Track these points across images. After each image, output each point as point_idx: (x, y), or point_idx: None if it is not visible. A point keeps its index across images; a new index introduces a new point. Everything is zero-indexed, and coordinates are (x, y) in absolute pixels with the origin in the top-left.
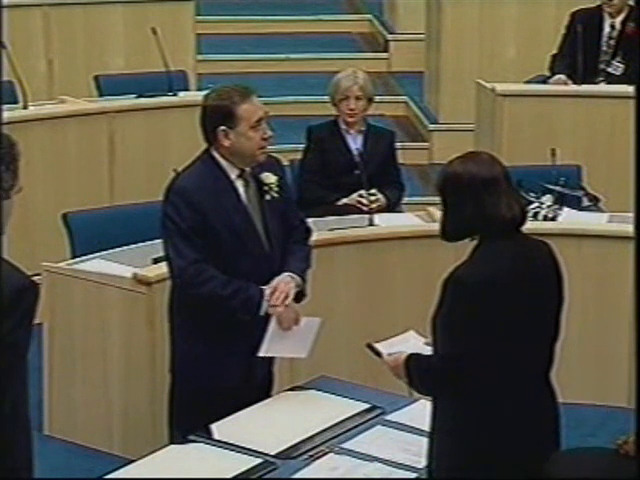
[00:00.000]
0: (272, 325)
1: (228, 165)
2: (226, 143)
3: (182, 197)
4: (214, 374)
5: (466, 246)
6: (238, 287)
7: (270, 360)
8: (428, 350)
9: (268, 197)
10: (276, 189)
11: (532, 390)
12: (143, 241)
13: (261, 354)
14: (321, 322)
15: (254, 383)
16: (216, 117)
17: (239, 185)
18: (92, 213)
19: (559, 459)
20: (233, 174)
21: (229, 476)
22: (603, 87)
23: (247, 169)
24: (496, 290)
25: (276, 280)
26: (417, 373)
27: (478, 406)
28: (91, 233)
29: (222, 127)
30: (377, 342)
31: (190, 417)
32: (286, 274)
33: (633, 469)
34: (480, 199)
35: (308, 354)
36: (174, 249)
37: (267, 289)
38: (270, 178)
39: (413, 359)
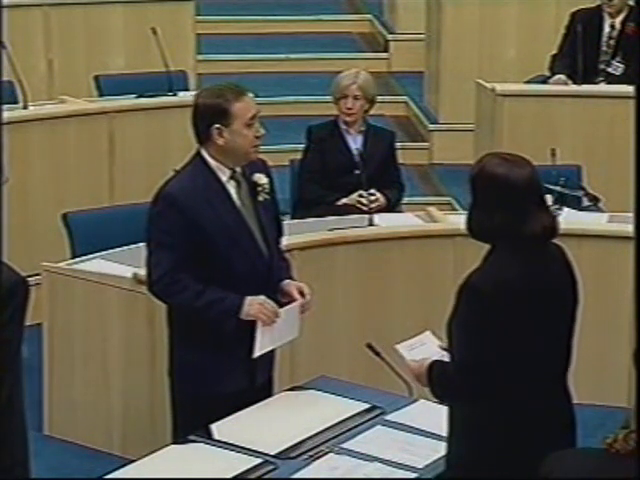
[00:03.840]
0: (259, 328)
1: (219, 166)
2: (220, 141)
3: (168, 203)
4: (214, 379)
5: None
6: (213, 299)
7: (270, 366)
8: (444, 354)
9: (261, 198)
10: (267, 190)
11: (548, 393)
12: (143, 241)
13: (256, 355)
14: (299, 304)
15: (255, 388)
16: (210, 115)
17: (231, 187)
18: (92, 213)
19: (547, 460)
20: (224, 176)
21: (229, 476)
22: (603, 87)
23: (238, 170)
24: (510, 296)
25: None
26: (437, 382)
27: (494, 410)
28: (91, 233)
29: (216, 125)
30: (398, 344)
31: (191, 422)
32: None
33: (622, 468)
34: (511, 207)
35: (299, 333)
36: (152, 257)
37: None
38: (263, 179)
39: (435, 367)
